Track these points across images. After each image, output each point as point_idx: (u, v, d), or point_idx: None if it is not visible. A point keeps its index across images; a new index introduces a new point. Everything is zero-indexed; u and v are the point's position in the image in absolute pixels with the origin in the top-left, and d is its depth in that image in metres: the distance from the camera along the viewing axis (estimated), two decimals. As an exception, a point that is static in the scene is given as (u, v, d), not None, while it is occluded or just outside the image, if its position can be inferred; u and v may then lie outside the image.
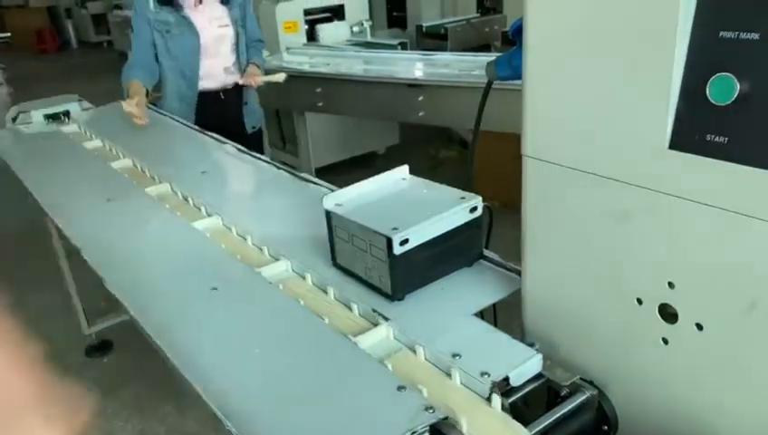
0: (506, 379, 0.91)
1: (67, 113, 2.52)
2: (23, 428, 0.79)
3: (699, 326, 0.78)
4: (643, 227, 0.80)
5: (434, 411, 0.84)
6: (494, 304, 1.14)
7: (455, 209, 1.10)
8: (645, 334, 0.84)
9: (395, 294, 1.08)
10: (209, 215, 1.54)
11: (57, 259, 2.63)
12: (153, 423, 2.37)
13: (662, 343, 0.83)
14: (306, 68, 3.48)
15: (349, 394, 0.90)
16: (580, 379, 0.93)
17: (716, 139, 0.69)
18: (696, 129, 0.71)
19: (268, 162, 1.81)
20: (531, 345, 0.98)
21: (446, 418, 0.84)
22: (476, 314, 1.07)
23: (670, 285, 0.79)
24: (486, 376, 0.90)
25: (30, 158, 2.11)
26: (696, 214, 0.74)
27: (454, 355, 0.95)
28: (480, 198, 1.14)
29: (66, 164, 2.03)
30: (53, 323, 3.00)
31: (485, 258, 1.19)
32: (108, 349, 2.79)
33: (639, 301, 0.84)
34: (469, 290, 1.12)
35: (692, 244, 0.76)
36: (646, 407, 0.89)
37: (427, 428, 0.82)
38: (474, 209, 1.13)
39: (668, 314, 0.81)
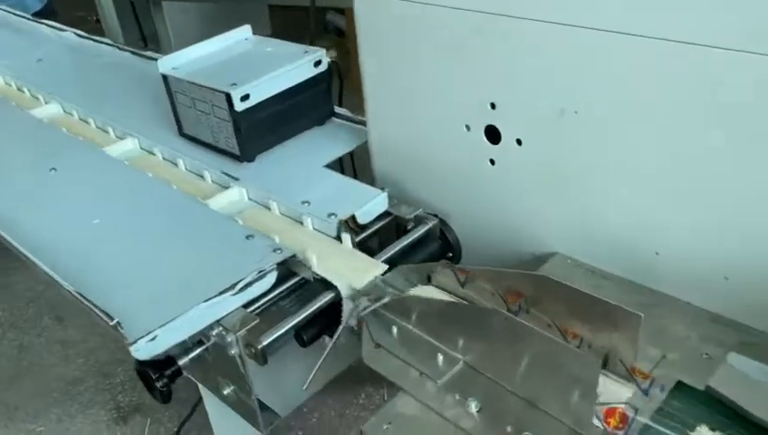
0: (353, 217, 0.94)
1: None
2: None
3: (519, 142, 0.83)
4: (467, 53, 0.83)
5: (282, 252, 0.86)
6: (352, 159, 1.16)
7: (297, 63, 1.08)
8: (475, 159, 0.89)
9: (244, 155, 1.07)
10: (47, 102, 1.43)
11: None
12: (31, 337, 2.29)
13: (490, 164, 0.88)
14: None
15: (196, 248, 0.90)
16: (424, 211, 0.97)
17: (518, -53, 0.71)
18: (500, -61, 0.72)
19: (111, 45, 1.68)
20: (381, 190, 1.01)
21: (293, 256, 0.86)
22: (328, 167, 1.08)
23: (492, 106, 0.83)
24: (334, 216, 0.93)
25: None
26: (515, 29, 0.76)
27: (304, 203, 0.97)
28: (324, 51, 1.12)
29: None
30: None
31: (338, 116, 1.20)
32: (-30, 271, 2.62)
33: (468, 127, 0.88)
34: (320, 146, 1.12)
35: (511, 61, 0.79)
36: (483, 230, 0.95)
37: (275, 266, 0.84)
38: (318, 63, 1.11)
39: (493, 134, 0.86)
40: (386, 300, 0.77)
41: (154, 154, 1.19)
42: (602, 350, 0.65)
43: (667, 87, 0.67)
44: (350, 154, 1.16)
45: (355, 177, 1.17)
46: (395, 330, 0.76)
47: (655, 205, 0.74)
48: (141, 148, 1.21)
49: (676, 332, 0.73)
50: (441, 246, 0.99)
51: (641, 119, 0.70)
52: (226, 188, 1.06)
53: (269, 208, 1.01)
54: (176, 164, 1.14)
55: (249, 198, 1.04)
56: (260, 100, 1.04)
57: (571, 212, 0.83)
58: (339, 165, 1.18)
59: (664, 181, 0.72)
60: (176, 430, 1.83)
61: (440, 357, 0.71)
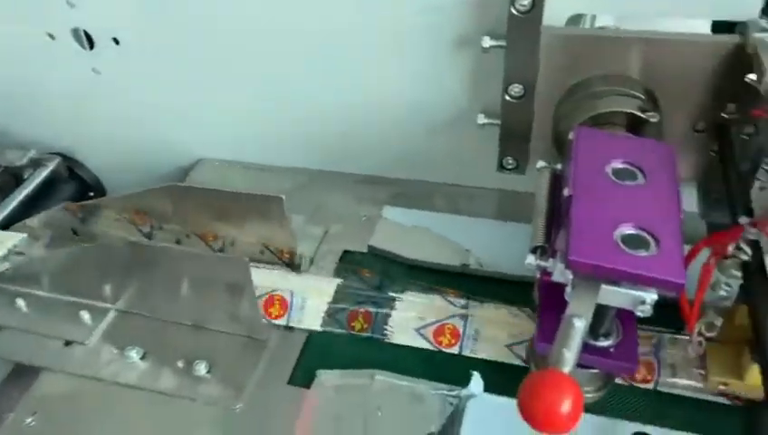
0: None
1: None
2: None
3: (116, 41, 0.70)
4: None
5: None
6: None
7: None
8: (74, 73, 0.74)
9: None
10: None
11: None
12: None
13: (94, 74, 0.74)
14: None
15: None
16: (39, 153, 0.80)
17: None
18: None
19: None
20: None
21: None
22: None
23: (69, 3, 0.68)
24: None
25: None
26: None
27: None
28: None
29: None
30: None
31: None
32: None
33: (51, 36, 0.71)
34: None
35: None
36: (120, 155, 0.82)
37: None
38: None
39: (87, 38, 0.71)
40: (2, 269, 0.61)
41: None
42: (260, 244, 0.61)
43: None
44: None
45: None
46: (21, 303, 0.61)
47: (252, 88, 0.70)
48: None
49: (334, 204, 0.71)
50: (78, 187, 0.84)
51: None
52: None
53: None
54: None
55: None
56: None
57: (201, 110, 0.74)
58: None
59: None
60: None
61: (85, 315, 0.59)
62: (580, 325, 0.37)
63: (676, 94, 0.53)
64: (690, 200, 0.57)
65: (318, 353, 0.56)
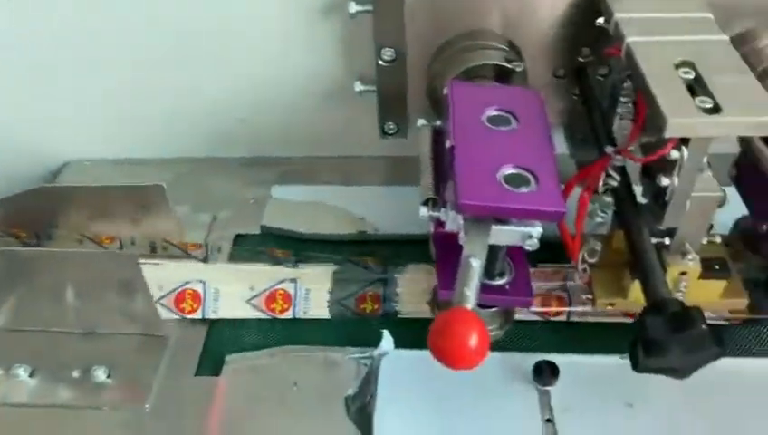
0: None
1: None
2: None
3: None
4: None
5: None
6: None
7: None
8: None
9: None
10: None
11: None
12: None
13: (-70, 81, 0.67)
14: None
15: None
16: None
17: None
18: None
19: None
20: None
21: None
22: None
23: None
24: None
25: None
26: None
27: None
28: None
29: None
30: None
31: None
32: None
33: None
34: None
35: None
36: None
37: None
38: None
39: None
40: None
41: None
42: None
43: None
44: None
45: None
46: None
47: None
48: None
49: (220, 190, 0.69)
50: None
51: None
52: None
53: None
54: None
55: None
56: None
57: (62, 110, 0.69)
58: None
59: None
60: None
61: (-43, 340, 0.54)
62: (476, 264, 0.38)
63: (535, 44, 0.56)
64: (559, 144, 0.60)
65: (223, 340, 0.54)
